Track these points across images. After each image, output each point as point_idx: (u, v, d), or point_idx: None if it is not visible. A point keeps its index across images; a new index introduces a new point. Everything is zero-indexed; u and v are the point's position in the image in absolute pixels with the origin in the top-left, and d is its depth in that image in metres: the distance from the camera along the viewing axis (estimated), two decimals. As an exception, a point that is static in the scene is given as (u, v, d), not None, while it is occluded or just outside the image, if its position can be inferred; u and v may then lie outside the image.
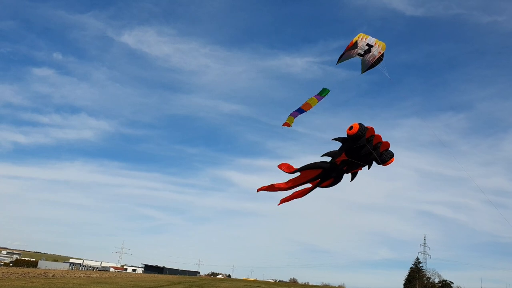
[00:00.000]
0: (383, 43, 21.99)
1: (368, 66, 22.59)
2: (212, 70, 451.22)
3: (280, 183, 22.64)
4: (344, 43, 22.66)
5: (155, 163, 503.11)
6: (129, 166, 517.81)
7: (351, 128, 19.38)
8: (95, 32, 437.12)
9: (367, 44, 22.08)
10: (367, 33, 22.39)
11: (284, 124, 24.22)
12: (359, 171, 21.29)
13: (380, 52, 21.99)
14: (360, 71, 23.14)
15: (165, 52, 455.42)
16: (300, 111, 23.69)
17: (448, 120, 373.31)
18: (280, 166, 22.43)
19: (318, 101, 23.33)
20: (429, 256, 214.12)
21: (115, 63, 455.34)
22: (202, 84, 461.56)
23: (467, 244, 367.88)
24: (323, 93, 23.19)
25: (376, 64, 22.40)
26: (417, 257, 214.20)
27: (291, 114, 23.92)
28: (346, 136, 19.87)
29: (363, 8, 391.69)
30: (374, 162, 20.17)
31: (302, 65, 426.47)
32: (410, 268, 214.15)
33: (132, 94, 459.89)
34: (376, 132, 19.48)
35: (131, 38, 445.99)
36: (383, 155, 19.80)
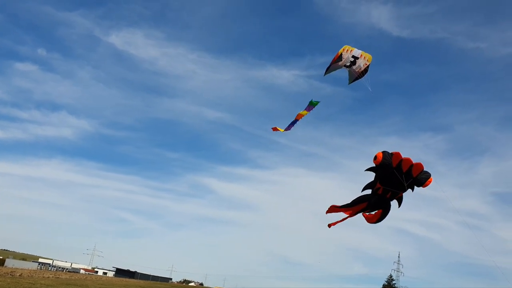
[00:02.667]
0: (370, 55, 22.12)
1: (354, 77, 22.81)
2: (198, 76, 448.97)
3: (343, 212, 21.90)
4: (331, 59, 22.72)
5: (134, 165, 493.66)
6: (106, 167, 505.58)
7: (375, 157, 19.03)
8: (82, 31, 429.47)
9: (353, 56, 22.23)
10: None
11: (274, 128, 24.53)
12: (404, 194, 20.52)
13: (365, 64, 22.18)
14: (348, 81, 23.36)
15: (152, 55, 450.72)
16: (294, 123, 24.06)
17: (427, 141, 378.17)
18: (328, 212, 21.61)
19: (308, 111, 23.80)
20: (402, 273, 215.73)
21: (100, 63, 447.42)
22: (187, 89, 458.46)
23: (440, 263, 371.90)
24: (313, 104, 23.54)
25: (362, 76, 22.60)
26: (390, 274, 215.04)
27: (285, 129, 24.26)
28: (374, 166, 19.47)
29: (352, 25, 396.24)
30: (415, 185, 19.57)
31: (289, 77, 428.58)
32: (383, 285, 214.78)
33: (115, 95, 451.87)
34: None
35: (118, 39, 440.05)
36: (418, 178, 19.10)
